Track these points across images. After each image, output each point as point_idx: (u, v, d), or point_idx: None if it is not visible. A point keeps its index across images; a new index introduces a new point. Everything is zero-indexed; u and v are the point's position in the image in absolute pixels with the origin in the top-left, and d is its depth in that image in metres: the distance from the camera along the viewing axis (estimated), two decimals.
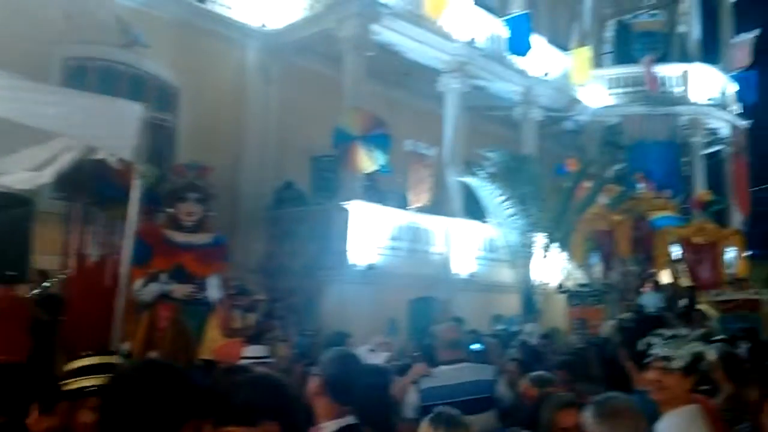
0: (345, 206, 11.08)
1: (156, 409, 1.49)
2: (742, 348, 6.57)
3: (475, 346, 5.34)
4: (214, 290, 6.21)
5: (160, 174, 7.85)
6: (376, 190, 12.69)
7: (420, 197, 14.37)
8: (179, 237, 6.37)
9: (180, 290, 6.05)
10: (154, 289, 5.94)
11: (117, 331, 4.94)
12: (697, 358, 2.71)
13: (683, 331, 2.94)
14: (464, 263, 12.93)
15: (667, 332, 2.76)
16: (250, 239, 11.70)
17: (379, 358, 4.44)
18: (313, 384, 2.72)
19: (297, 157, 12.67)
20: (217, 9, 12.09)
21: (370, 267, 11.07)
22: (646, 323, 3.30)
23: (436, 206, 13.76)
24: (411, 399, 3.90)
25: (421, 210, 13.45)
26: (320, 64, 12.96)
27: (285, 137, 12.58)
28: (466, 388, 3.84)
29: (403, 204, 13.39)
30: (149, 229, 6.20)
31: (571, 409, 3.02)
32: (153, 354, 5.68)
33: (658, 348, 2.69)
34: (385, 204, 11.99)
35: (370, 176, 11.94)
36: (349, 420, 2.64)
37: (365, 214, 11.22)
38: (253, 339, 6.02)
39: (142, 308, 5.86)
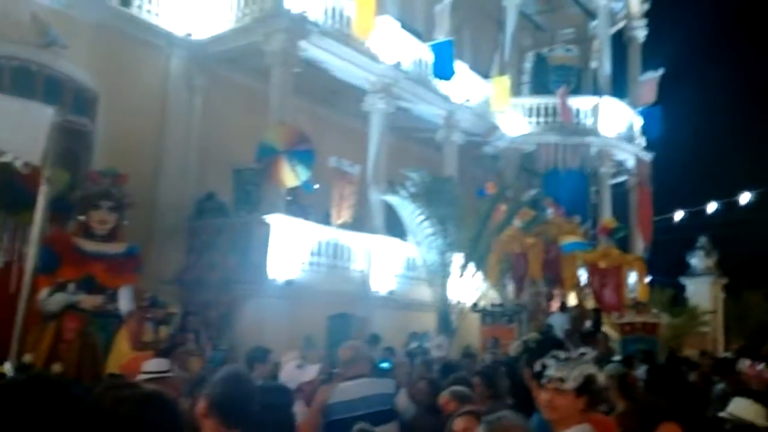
0: (266, 220, 11.01)
1: (32, 427, 1.43)
2: (641, 370, 7.00)
3: (384, 365, 5.47)
4: (125, 302, 6.08)
5: (72, 180, 7.59)
6: (299, 205, 12.67)
7: (342, 214, 14.45)
8: (90, 246, 6.21)
9: (89, 301, 5.88)
10: (60, 299, 5.76)
11: (16, 342, 4.74)
12: (589, 379, 2.76)
13: (578, 352, 3.07)
14: (384, 281, 13.10)
15: (562, 353, 2.82)
16: (168, 250, 11.39)
17: (308, 374, 4.45)
18: (201, 405, 2.55)
19: (219, 168, 12.47)
20: (143, 15, 11.78)
21: (289, 282, 11.02)
22: (547, 344, 3.44)
23: (358, 223, 13.88)
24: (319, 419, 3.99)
25: (342, 226, 13.54)
26: (247, 77, 12.87)
27: (207, 148, 12.37)
28: (367, 402, 3.97)
29: (325, 220, 13.43)
30: (58, 237, 6.00)
31: (466, 417, 3.10)
32: (57, 367, 5.47)
33: (553, 369, 2.74)
34: (306, 219, 11.99)
35: (292, 191, 11.93)
36: None
37: (286, 228, 11.18)
38: (165, 353, 5.88)
39: (47, 318, 5.65)
